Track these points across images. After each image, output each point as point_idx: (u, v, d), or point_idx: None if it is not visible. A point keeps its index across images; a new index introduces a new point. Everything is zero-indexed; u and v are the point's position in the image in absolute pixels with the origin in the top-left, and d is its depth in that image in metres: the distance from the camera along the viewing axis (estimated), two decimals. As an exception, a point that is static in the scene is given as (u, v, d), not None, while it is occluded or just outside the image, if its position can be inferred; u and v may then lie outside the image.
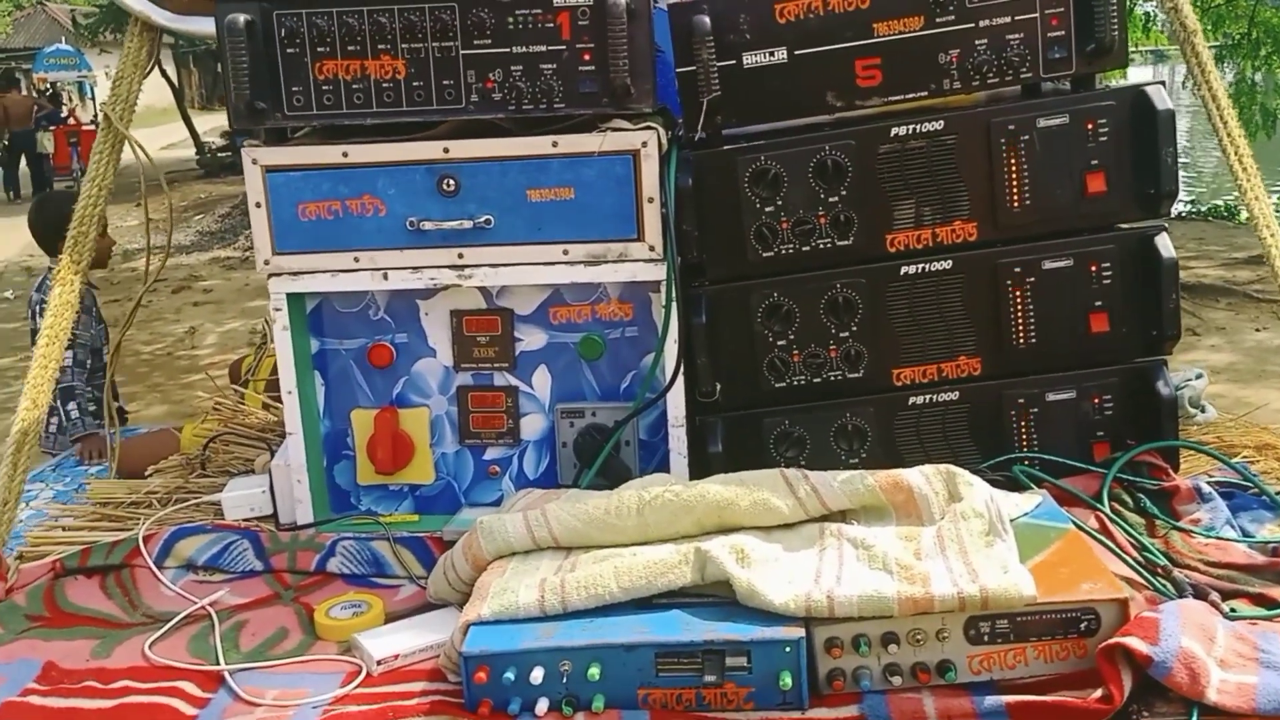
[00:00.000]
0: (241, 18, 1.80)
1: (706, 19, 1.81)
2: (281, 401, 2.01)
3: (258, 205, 1.90)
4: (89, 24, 19.39)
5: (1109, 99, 1.83)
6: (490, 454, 2.06)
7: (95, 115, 18.36)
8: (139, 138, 2.23)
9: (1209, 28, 11.02)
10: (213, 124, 20.83)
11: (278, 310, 1.95)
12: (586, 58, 1.83)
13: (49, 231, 3.58)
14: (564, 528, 1.63)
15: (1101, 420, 1.94)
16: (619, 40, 1.78)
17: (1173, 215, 1.86)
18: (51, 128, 17.90)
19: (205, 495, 2.15)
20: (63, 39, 23.31)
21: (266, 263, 1.93)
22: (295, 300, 1.97)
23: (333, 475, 2.08)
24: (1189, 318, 7.17)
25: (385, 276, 1.93)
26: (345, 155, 1.88)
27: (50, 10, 31.58)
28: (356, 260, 1.92)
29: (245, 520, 2.03)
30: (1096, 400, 1.93)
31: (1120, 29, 1.77)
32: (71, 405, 3.80)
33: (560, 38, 1.82)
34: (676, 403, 1.93)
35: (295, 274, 1.94)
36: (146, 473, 2.38)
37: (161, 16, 2.31)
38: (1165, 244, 1.85)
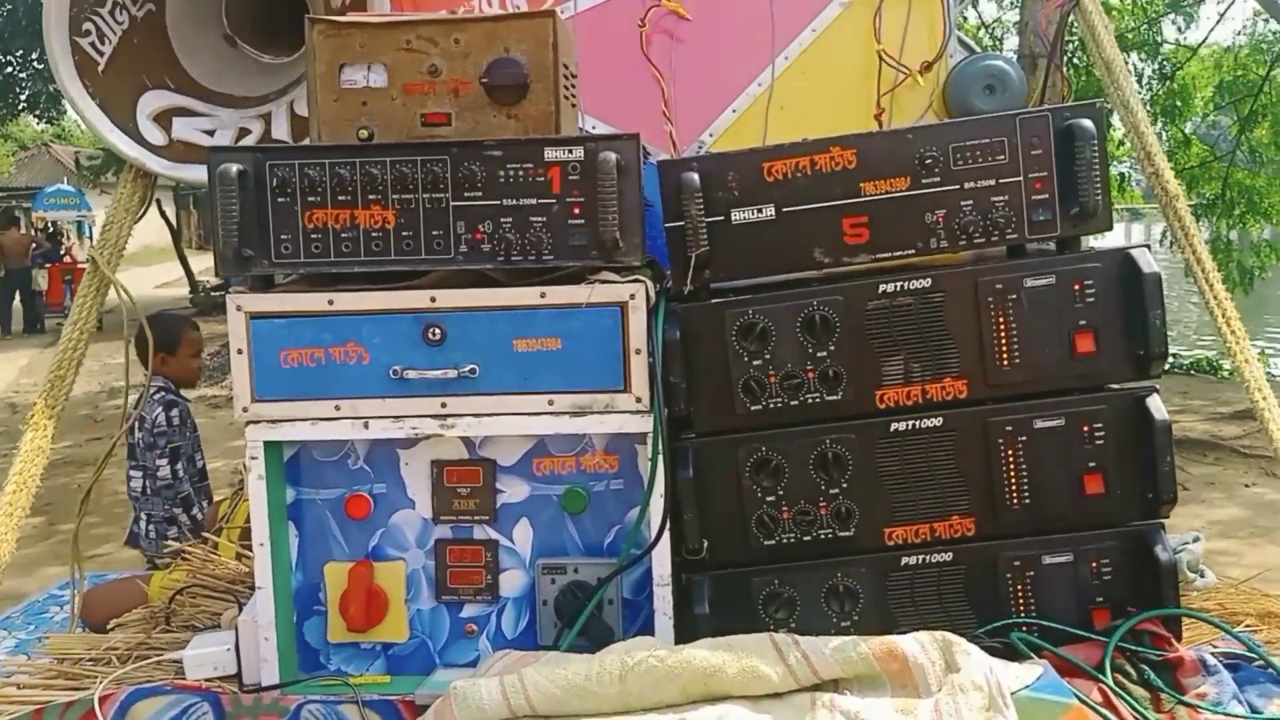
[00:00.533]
0: (234, 168, 1.81)
1: (696, 175, 1.83)
2: (253, 552, 1.94)
3: (240, 351, 1.88)
4: (92, 166, 19.82)
5: (1095, 261, 1.84)
6: (468, 611, 1.98)
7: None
8: (137, 276, 2.27)
9: (1183, 187, 11.38)
10: (209, 263, 21.06)
11: (254, 459, 1.90)
12: (576, 211, 1.84)
13: (140, 346, 3.64)
14: (542, 695, 1.54)
15: (1100, 585, 1.88)
16: (608, 195, 1.79)
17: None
18: (48, 265, 18.10)
19: (168, 652, 2.05)
20: (65, 179, 23.82)
21: (245, 409, 1.89)
22: (273, 448, 1.92)
23: (303, 632, 1.98)
24: (1178, 473, 7.13)
25: (366, 425, 1.89)
26: (331, 303, 1.87)
27: (54, 152, 32.38)
28: (337, 408, 1.89)
29: (208, 680, 1.93)
30: (1094, 564, 1.88)
31: (1103, 193, 1.80)
32: (195, 510, 4.10)
33: (550, 191, 1.84)
34: (662, 560, 1.87)
35: (274, 422, 1.89)
36: (109, 626, 2.28)
37: (156, 164, 2.34)
38: (1157, 406, 1.83)
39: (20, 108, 17.45)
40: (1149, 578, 1.86)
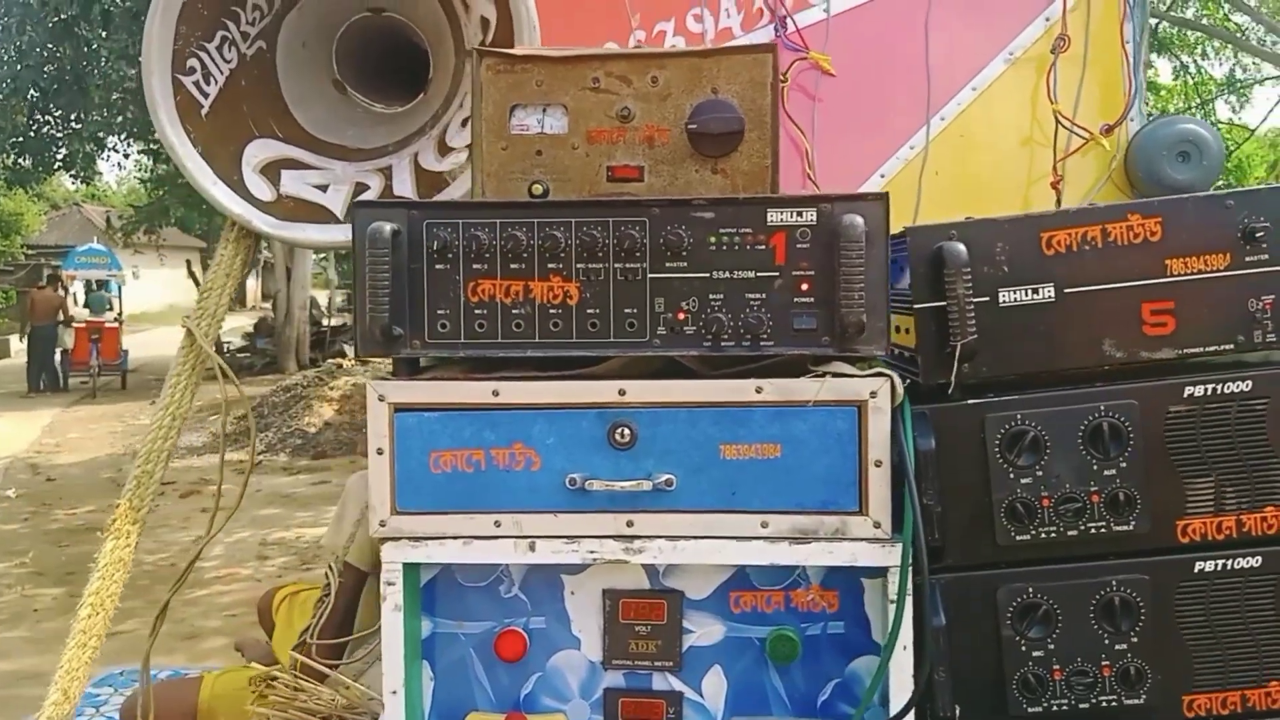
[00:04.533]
0: (388, 227, 1.46)
1: (962, 246, 1.47)
2: (384, 701, 1.55)
3: (380, 451, 1.51)
4: (124, 225, 19.78)
5: None
6: (643, 782, 1.59)
7: (120, 314, 18.43)
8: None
9: None
10: (234, 324, 20.87)
11: (390, 585, 1.52)
12: (805, 287, 1.47)
13: None
14: None
15: None
16: (854, 269, 1.43)
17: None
18: (76, 324, 17.88)
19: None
20: (95, 239, 23.77)
21: (383, 524, 1.52)
22: (412, 572, 1.55)
23: (437, 804, 1.59)
24: None
25: (532, 547, 1.51)
26: (496, 394, 1.50)
27: (85, 211, 32.57)
28: (498, 525, 1.51)
29: None
30: None
31: None
32: None
33: (773, 263, 1.48)
34: (905, 731, 1.47)
35: (418, 540, 1.52)
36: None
37: (263, 222, 2.01)
38: None
39: (56, 167, 17.39)
40: None
